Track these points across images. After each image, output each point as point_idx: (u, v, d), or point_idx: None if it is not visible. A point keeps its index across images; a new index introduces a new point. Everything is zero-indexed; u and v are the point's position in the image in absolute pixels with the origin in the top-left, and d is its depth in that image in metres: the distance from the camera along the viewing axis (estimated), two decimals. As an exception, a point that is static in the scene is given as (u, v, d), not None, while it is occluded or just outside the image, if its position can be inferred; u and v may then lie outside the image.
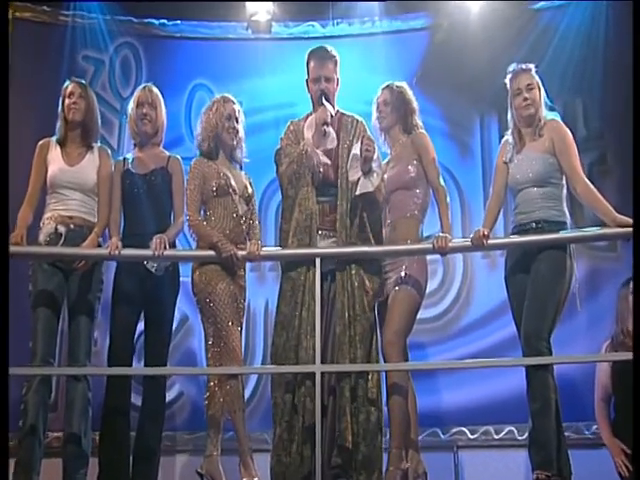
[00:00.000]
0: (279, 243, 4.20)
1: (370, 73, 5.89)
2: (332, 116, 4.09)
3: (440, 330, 5.67)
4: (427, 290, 4.19)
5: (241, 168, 4.33)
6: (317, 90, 4.18)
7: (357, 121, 4.25)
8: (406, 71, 5.79)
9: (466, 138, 6.04)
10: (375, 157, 4.01)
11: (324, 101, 4.09)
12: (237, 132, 4.25)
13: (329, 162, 4.07)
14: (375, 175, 4.00)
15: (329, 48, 4.27)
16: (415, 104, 4.34)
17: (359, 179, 4.00)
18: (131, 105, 4.40)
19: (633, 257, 3.54)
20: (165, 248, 3.94)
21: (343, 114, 4.28)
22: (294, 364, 3.92)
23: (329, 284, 4.03)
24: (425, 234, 4.23)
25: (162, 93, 4.47)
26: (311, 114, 4.20)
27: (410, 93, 4.36)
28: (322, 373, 3.77)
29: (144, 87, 4.46)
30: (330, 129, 4.04)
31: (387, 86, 4.36)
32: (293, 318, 3.96)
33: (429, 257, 4.23)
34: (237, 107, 4.29)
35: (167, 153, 4.42)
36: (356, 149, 4.02)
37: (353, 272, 4.01)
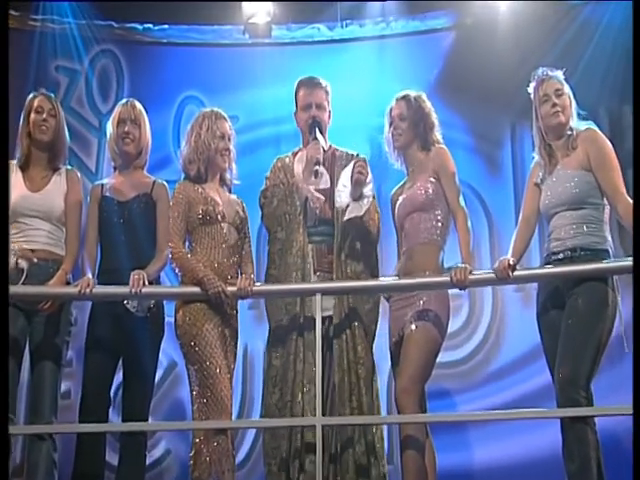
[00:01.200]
0: None
1: (384, 80, 5.90)
2: (325, 150, 4.15)
3: (465, 376, 5.64)
4: (449, 329, 4.12)
5: (230, 191, 4.30)
6: (308, 118, 4.26)
7: (352, 155, 4.31)
8: (425, 78, 5.82)
9: (495, 153, 6.04)
10: (368, 180, 4.08)
11: (317, 133, 4.14)
12: (230, 153, 4.22)
13: (322, 198, 4.11)
14: (366, 200, 4.07)
15: (320, 79, 4.38)
16: (435, 117, 4.26)
17: (348, 205, 4.06)
18: (111, 123, 4.39)
19: (633, 279, 3.54)
20: (144, 285, 3.90)
21: (336, 149, 4.36)
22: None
23: (326, 328, 4.05)
24: (447, 264, 4.15)
25: (147, 107, 4.47)
26: (300, 150, 4.26)
27: (429, 104, 4.27)
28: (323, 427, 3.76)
29: (126, 102, 4.45)
30: (323, 169, 4.10)
31: (403, 97, 4.25)
32: (287, 371, 4.00)
33: (451, 290, 4.15)
34: (229, 123, 4.26)
35: (152, 178, 4.40)
36: (347, 172, 4.08)
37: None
